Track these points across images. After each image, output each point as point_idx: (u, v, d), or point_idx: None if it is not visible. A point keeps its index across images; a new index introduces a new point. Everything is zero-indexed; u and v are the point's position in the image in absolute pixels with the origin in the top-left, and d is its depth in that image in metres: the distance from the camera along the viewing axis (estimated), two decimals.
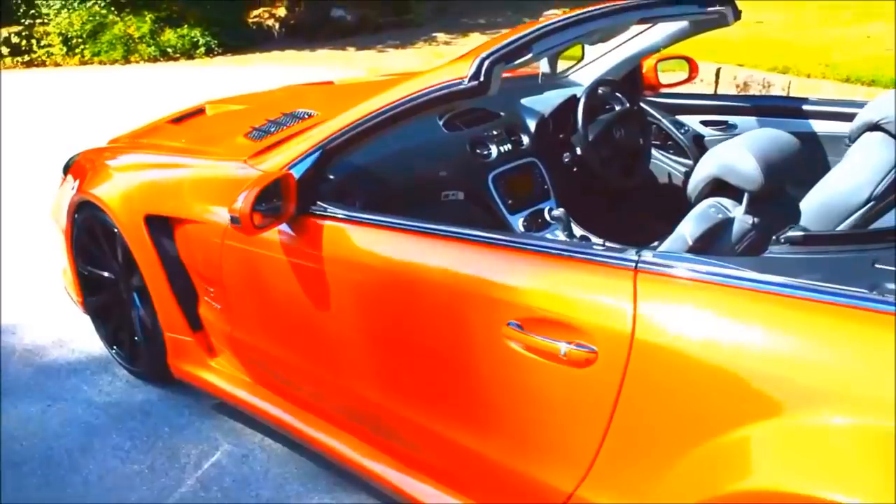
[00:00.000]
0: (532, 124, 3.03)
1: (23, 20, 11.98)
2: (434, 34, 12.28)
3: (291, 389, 2.59)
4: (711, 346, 1.50)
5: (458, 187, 2.76)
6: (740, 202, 1.85)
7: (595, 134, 2.94)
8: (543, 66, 2.67)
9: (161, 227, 2.82)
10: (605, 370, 1.63)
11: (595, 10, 2.22)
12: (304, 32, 12.74)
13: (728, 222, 1.83)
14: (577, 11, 2.19)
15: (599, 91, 3.09)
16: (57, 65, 11.96)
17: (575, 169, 3.02)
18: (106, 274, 3.19)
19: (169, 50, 11.76)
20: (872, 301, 1.37)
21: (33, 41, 11.97)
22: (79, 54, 11.92)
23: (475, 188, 2.81)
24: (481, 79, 1.94)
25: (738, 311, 1.50)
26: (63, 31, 11.91)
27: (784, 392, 1.41)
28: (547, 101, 3.10)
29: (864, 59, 7.05)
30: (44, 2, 12.07)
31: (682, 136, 3.15)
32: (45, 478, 2.72)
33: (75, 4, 11.99)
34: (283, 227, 2.31)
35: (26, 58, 11.98)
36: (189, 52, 11.79)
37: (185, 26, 11.87)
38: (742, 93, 6.98)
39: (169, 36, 11.81)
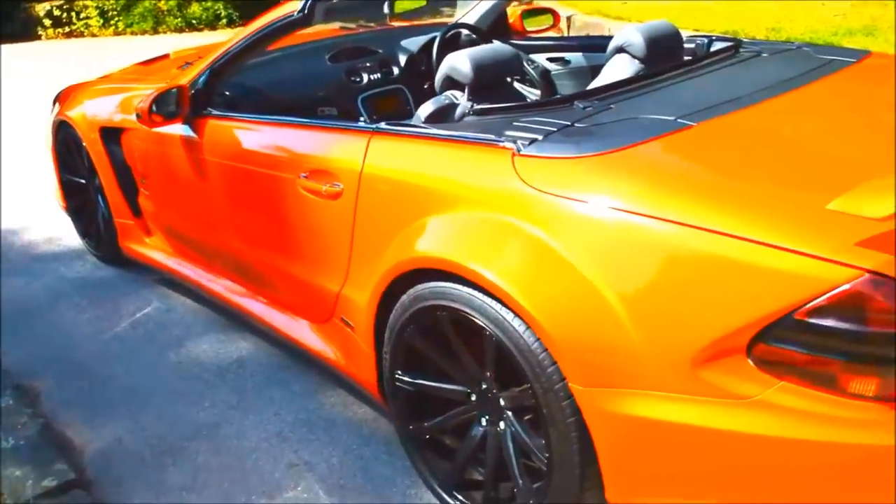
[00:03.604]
0: (403, 59, 3.81)
1: None
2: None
3: (197, 254, 3.43)
4: (405, 173, 2.30)
5: (332, 105, 3.55)
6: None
7: None
8: (387, 9, 3.45)
9: (112, 137, 3.68)
10: (347, 200, 2.43)
11: None
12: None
13: (453, 106, 2.59)
14: None
15: (463, 35, 3.84)
16: (94, 35, 12.99)
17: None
18: (79, 179, 4.06)
19: (194, 21, 12.71)
20: (495, 141, 2.13)
21: (73, 14, 13.00)
22: (113, 26, 12.92)
23: (346, 106, 3.60)
24: (306, 12, 2.74)
25: (423, 152, 2.29)
26: (100, 5, 12.92)
27: (443, 197, 2.17)
28: (420, 43, 3.87)
29: (808, 23, 7.64)
30: None
31: (532, 71, 3.88)
32: (20, 321, 3.62)
33: None
34: (185, 126, 3.14)
35: (66, 29, 13.02)
36: (212, 24, 12.72)
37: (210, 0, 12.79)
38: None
39: (195, 8, 12.74)
